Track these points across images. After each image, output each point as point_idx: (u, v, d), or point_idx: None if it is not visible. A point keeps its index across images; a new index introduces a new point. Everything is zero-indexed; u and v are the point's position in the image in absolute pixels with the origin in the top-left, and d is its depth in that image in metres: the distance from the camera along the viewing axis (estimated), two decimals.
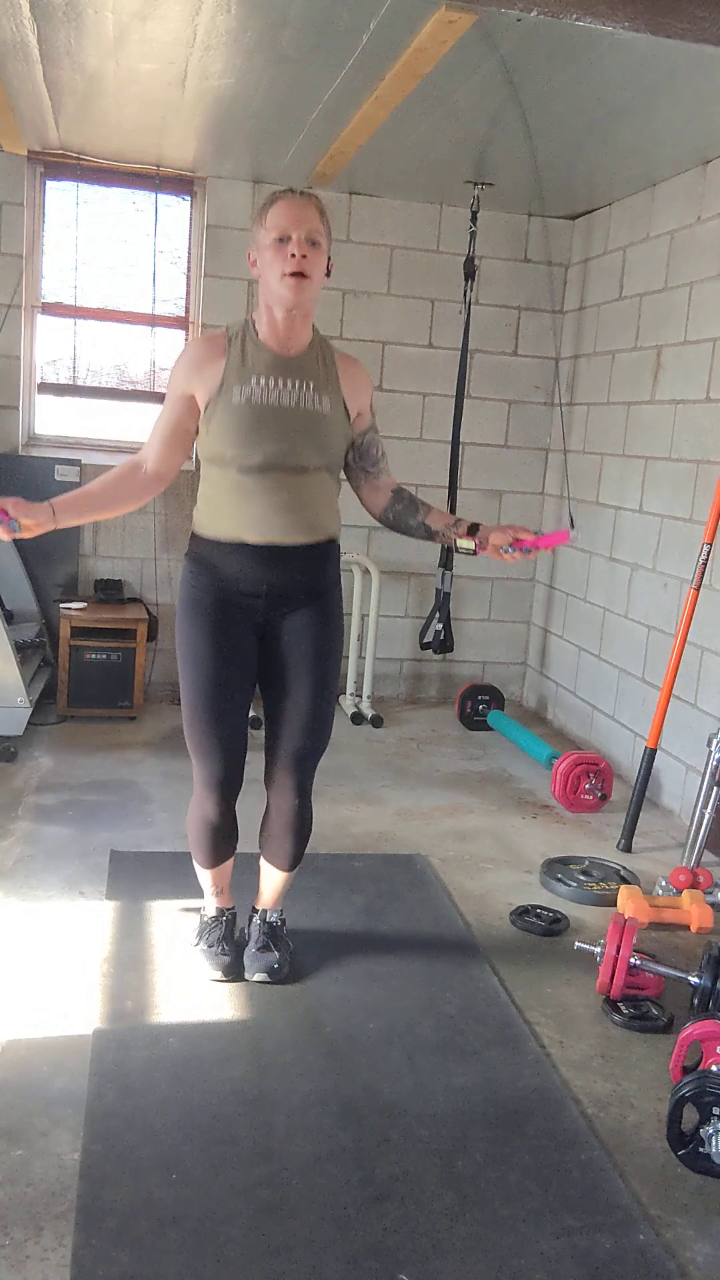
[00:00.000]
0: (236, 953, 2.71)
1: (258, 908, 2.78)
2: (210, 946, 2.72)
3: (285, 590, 2.46)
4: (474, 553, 2.43)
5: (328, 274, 2.37)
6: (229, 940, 2.73)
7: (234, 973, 2.67)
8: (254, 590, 2.44)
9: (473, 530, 2.45)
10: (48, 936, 2.83)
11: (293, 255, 2.27)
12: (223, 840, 2.64)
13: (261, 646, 2.52)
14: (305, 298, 2.32)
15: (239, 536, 2.40)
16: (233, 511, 2.40)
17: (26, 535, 2.31)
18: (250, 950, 2.72)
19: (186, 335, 5.23)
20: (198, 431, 2.42)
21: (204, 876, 2.73)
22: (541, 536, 2.39)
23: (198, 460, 2.47)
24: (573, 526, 2.46)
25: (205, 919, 2.78)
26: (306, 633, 2.50)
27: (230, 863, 2.72)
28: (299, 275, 2.28)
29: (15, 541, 4.82)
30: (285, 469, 2.37)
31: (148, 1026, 2.45)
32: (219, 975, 2.66)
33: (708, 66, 3.09)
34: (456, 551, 2.47)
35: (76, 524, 2.51)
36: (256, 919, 2.76)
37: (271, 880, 2.73)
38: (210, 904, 2.78)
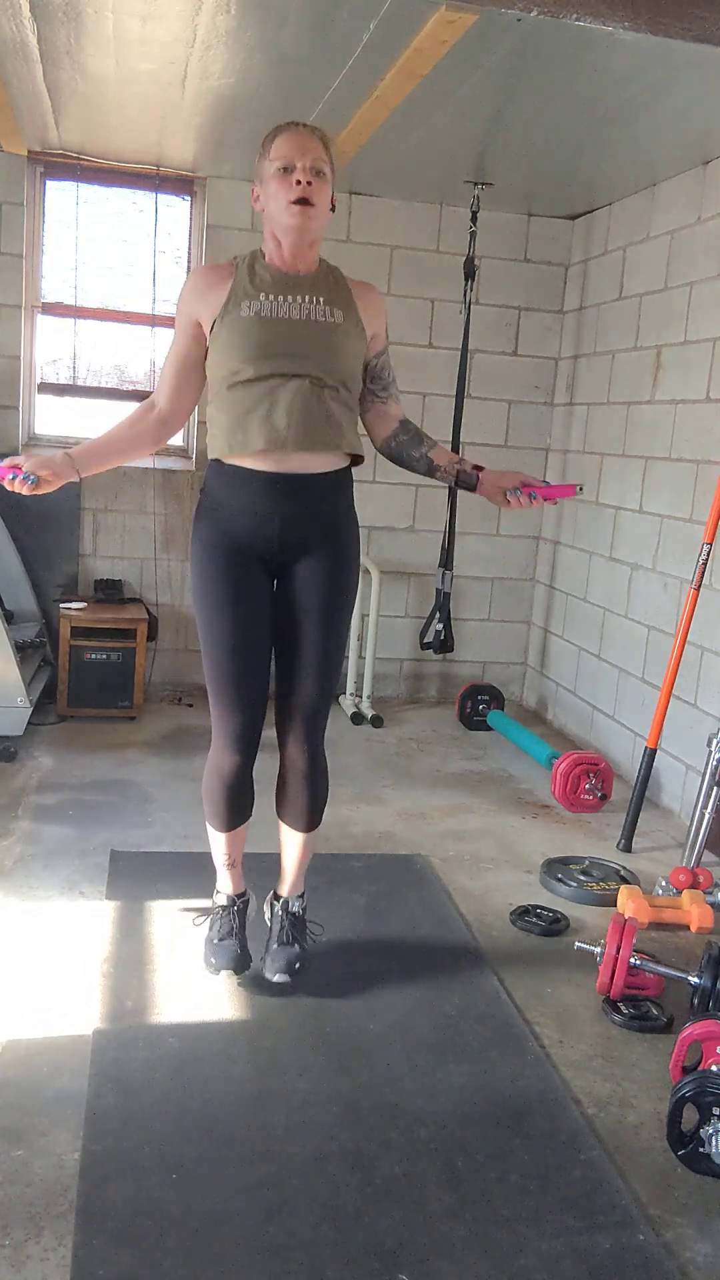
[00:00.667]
0: (247, 945, 2.63)
1: (280, 894, 2.71)
2: (220, 940, 2.64)
3: (299, 525, 2.39)
4: (473, 488, 2.43)
5: (332, 209, 2.36)
6: (241, 933, 2.65)
7: (244, 968, 2.60)
8: (267, 529, 2.38)
9: (477, 469, 2.45)
10: (48, 936, 2.83)
11: (298, 182, 2.25)
12: (240, 798, 2.57)
13: (274, 590, 2.48)
14: (312, 225, 2.30)
15: (251, 460, 2.33)
16: (246, 428, 2.32)
17: (46, 489, 2.28)
18: (272, 946, 2.64)
19: None
20: (206, 356, 2.39)
21: (218, 844, 2.65)
22: (550, 486, 2.39)
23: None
24: (580, 487, 2.46)
25: (216, 907, 2.70)
26: (320, 576, 2.45)
27: (244, 830, 2.64)
28: (304, 202, 2.26)
29: (15, 541, 4.88)
30: (296, 378, 2.31)
31: (148, 1026, 2.45)
32: (226, 970, 2.59)
33: (708, 66, 3.09)
34: (457, 486, 2.46)
35: (97, 471, 2.45)
36: (278, 907, 2.69)
37: (292, 850, 2.65)
38: (224, 884, 2.69)
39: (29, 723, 4.22)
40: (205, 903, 2.81)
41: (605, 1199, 2.01)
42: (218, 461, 2.41)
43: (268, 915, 2.74)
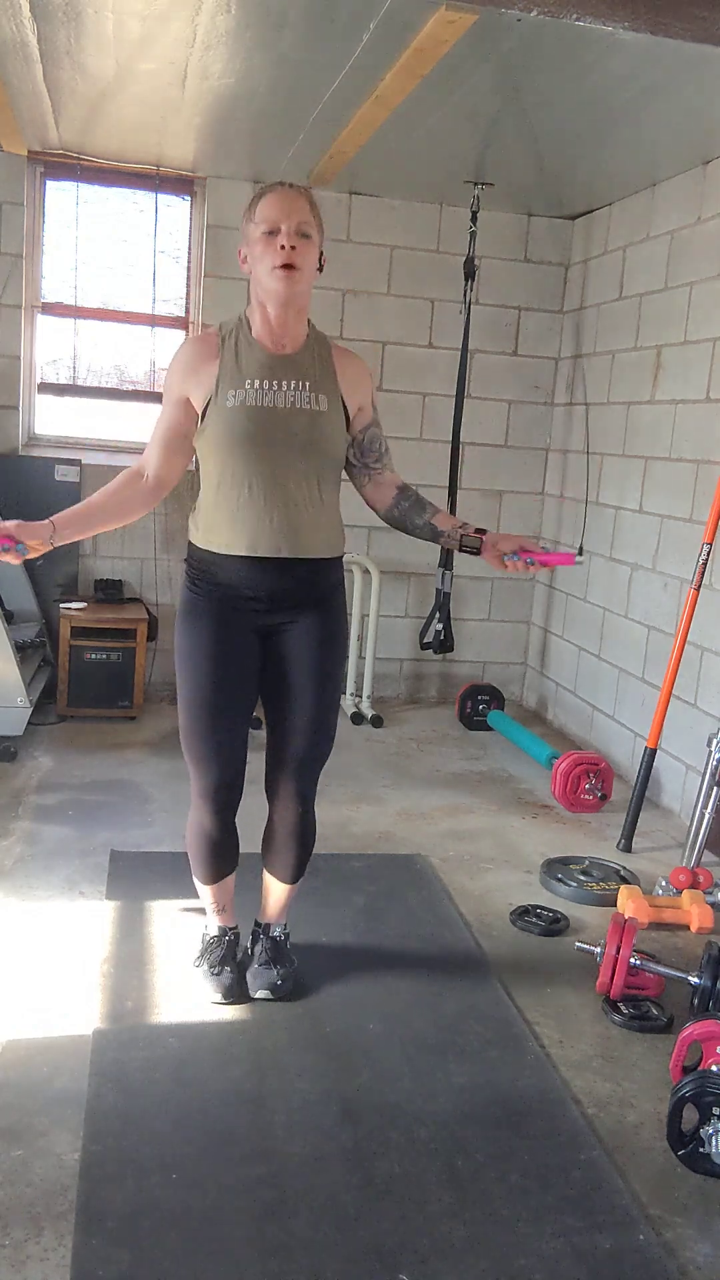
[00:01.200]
0: (239, 974, 2.63)
1: (261, 921, 2.70)
2: (211, 968, 2.62)
3: (286, 597, 2.40)
4: (478, 552, 2.40)
5: (320, 269, 2.32)
6: (231, 961, 2.64)
7: (235, 995, 2.58)
8: (254, 594, 2.38)
9: (479, 532, 2.41)
10: (48, 936, 2.83)
11: (282, 247, 2.21)
12: (222, 854, 2.57)
13: (263, 651, 2.46)
14: (296, 290, 2.25)
15: (235, 551, 2.34)
16: (229, 523, 2.33)
17: (33, 555, 2.30)
18: (253, 966, 2.63)
19: (187, 335, 5.22)
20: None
21: (204, 893, 2.66)
22: (548, 554, 2.38)
23: (197, 463, 2.45)
24: (580, 553, 2.44)
25: (207, 938, 2.70)
26: (310, 638, 2.43)
27: (232, 880, 2.64)
28: (289, 267, 2.22)
29: None
30: (282, 473, 2.31)
31: (148, 1026, 2.45)
32: (219, 998, 2.57)
33: (708, 66, 3.09)
34: (461, 550, 2.43)
35: (79, 539, 2.45)
36: (260, 931, 2.69)
37: (275, 892, 2.65)
38: (213, 922, 2.70)
39: (29, 723, 4.22)
40: (204, 902, 2.81)
41: (605, 1199, 2.01)
42: (202, 546, 2.41)
43: (249, 943, 2.72)
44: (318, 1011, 2.57)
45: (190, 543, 2.44)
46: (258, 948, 2.67)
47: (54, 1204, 1.89)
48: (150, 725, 4.78)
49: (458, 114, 3.78)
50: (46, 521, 2.32)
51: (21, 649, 4.45)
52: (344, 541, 2.49)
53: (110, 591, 5.09)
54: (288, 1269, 1.79)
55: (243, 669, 2.44)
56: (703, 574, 3.65)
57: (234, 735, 2.47)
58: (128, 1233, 1.83)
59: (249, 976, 2.62)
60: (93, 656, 4.76)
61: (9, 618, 4.71)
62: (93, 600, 5.04)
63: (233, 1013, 2.54)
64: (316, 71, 3.46)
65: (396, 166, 4.57)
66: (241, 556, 2.34)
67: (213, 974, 2.61)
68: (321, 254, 2.31)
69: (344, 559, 2.52)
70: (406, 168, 4.59)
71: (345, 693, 5.30)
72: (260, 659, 2.46)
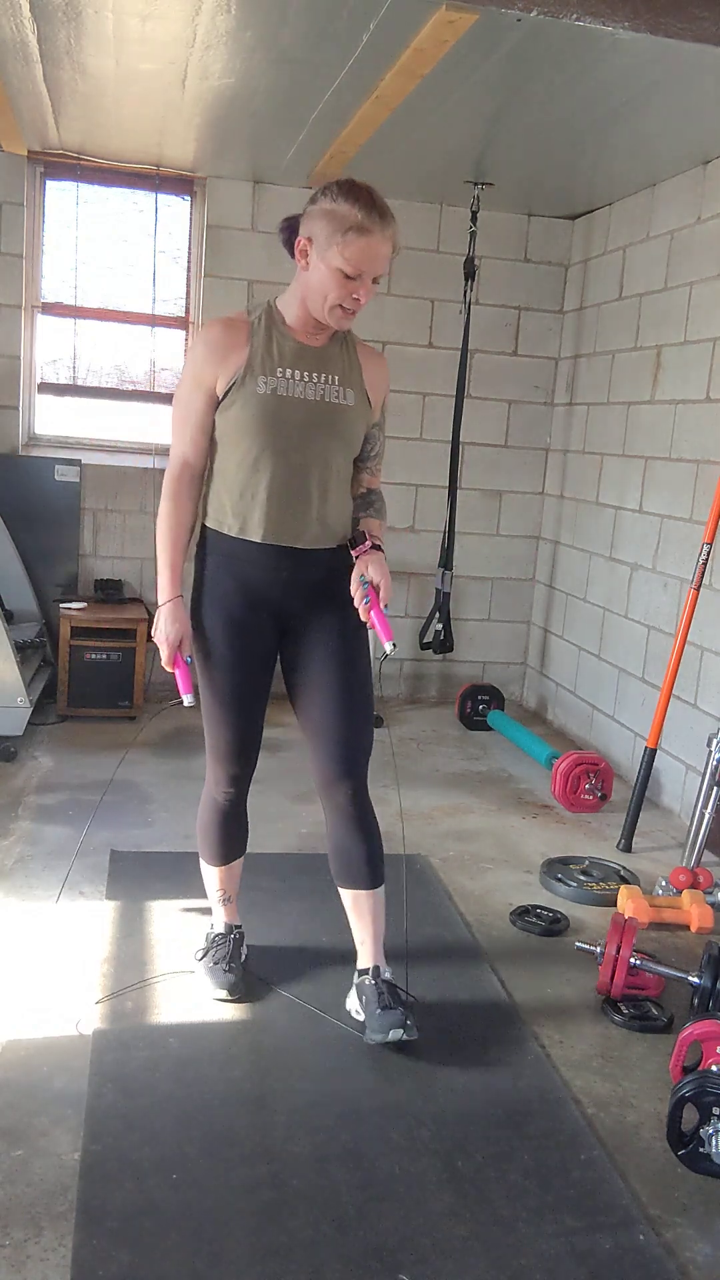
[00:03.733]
0: (242, 972, 2.61)
1: (364, 966, 2.50)
2: (216, 964, 2.61)
3: (303, 585, 2.39)
4: (350, 552, 2.38)
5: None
6: (236, 959, 2.63)
7: (239, 991, 2.57)
8: (270, 580, 2.37)
9: (374, 549, 2.36)
10: (48, 936, 2.83)
11: (356, 299, 2.20)
12: (235, 832, 2.60)
13: (284, 645, 2.46)
14: (348, 327, 2.30)
15: (253, 538, 2.33)
16: (249, 509, 2.32)
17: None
18: (374, 1011, 2.40)
19: (187, 335, 5.23)
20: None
21: (211, 879, 2.66)
22: (377, 615, 2.29)
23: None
24: (388, 651, 2.30)
25: (212, 935, 2.69)
26: (330, 627, 2.41)
27: (240, 864, 2.66)
28: (349, 313, 2.24)
29: (15, 541, 4.88)
30: (305, 463, 2.30)
31: (148, 1026, 2.45)
32: (223, 994, 2.56)
33: (708, 66, 3.09)
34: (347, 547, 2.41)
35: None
36: (368, 979, 2.47)
37: (364, 914, 2.49)
38: (218, 917, 2.69)
39: (29, 723, 4.22)
40: (205, 902, 2.80)
41: (605, 1199, 2.01)
42: (216, 529, 2.39)
43: (355, 1005, 2.52)
44: (318, 1012, 2.57)
45: (204, 526, 2.41)
46: (372, 994, 2.44)
47: (54, 1204, 1.89)
48: (150, 725, 4.77)
49: (458, 114, 3.78)
50: (175, 599, 2.40)
51: (21, 649, 4.45)
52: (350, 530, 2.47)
53: (110, 591, 5.09)
54: (288, 1269, 1.79)
55: (263, 656, 2.45)
56: (703, 574, 3.65)
57: (252, 716, 2.47)
58: (128, 1233, 1.83)
59: (373, 1022, 2.39)
60: (93, 656, 4.76)
61: (9, 618, 4.71)
62: (93, 600, 5.04)
63: (233, 1013, 2.54)
64: (316, 71, 3.46)
65: (396, 166, 4.56)
66: (259, 543, 2.34)
67: (219, 970, 2.60)
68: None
69: None
70: (406, 168, 4.59)
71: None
72: (277, 648, 2.47)
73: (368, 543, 2.37)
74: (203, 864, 2.67)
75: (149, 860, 3.33)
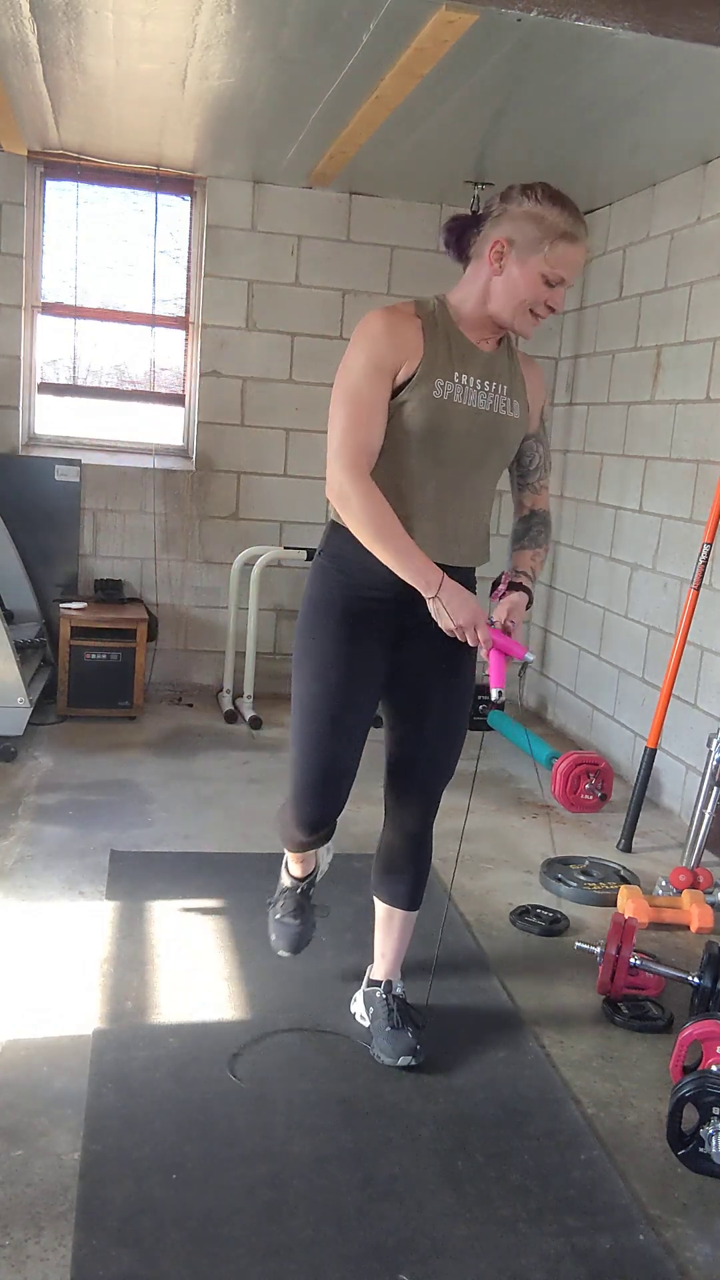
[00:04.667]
0: (306, 927, 2.57)
1: (378, 978, 2.49)
2: (281, 918, 2.56)
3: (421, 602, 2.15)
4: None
5: None
6: (302, 913, 2.57)
7: (299, 948, 2.55)
8: (397, 598, 2.15)
9: (512, 586, 2.26)
10: (48, 936, 2.83)
11: (551, 309, 2.11)
12: (315, 847, 2.48)
13: (392, 661, 2.26)
14: (530, 334, 2.18)
15: None
16: (395, 509, 2.11)
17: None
18: (384, 1029, 2.39)
19: (186, 335, 5.23)
20: None
21: (292, 860, 2.58)
22: (495, 659, 2.16)
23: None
24: (500, 693, 2.21)
25: (282, 886, 2.61)
26: (443, 649, 2.22)
27: (333, 842, 2.59)
28: (539, 319, 2.14)
29: (15, 541, 4.89)
30: (463, 476, 2.16)
31: (148, 1026, 2.45)
32: (284, 951, 2.54)
33: (708, 66, 3.09)
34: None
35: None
36: (379, 991, 2.46)
37: (393, 931, 2.47)
38: (293, 867, 2.58)
39: (29, 723, 4.22)
40: (204, 902, 2.81)
41: (605, 1199, 2.01)
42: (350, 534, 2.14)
43: (360, 1010, 2.52)
44: (318, 1012, 2.57)
45: (335, 526, 2.19)
46: (382, 1010, 2.43)
47: (54, 1204, 1.89)
48: (150, 725, 4.78)
49: (458, 114, 3.78)
50: (444, 576, 2.09)
51: (21, 649, 4.45)
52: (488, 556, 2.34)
53: (110, 591, 5.09)
54: (288, 1269, 1.79)
55: (369, 681, 2.25)
56: (703, 574, 3.65)
57: (351, 752, 2.27)
58: (128, 1233, 1.83)
59: (383, 1044, 2.38)
60: (93, 656, 4.76)
61: (9, 618, 4.71)
62: (93, 600, 5.04)
63: (233, 1013, 2.54)
64: (316, 71, 3.46)
65: (396, 166, 4.57)
66: None
67: (283, 924, 2.55)
68: None
69: None
70: (406, 168, 4.59)
71: None
72: (388, 669, 2.27)
73: (504, 585, 2.25)
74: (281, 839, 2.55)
75: (149, 860, 3.33)
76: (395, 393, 2.09)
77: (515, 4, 2.68)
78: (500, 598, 2.25)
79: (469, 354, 2.15)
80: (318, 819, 2.33)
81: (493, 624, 2.16)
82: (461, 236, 2.18)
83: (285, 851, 2.56)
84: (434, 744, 2.33)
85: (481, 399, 2.15)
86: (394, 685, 2.30)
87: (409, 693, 2.31)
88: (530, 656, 2.23)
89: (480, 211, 2.15)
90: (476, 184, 4.70)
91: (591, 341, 5.06)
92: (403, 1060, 2.35)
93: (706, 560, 3.65)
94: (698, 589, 3.66)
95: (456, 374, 2.12)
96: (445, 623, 2.09)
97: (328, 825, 2.37)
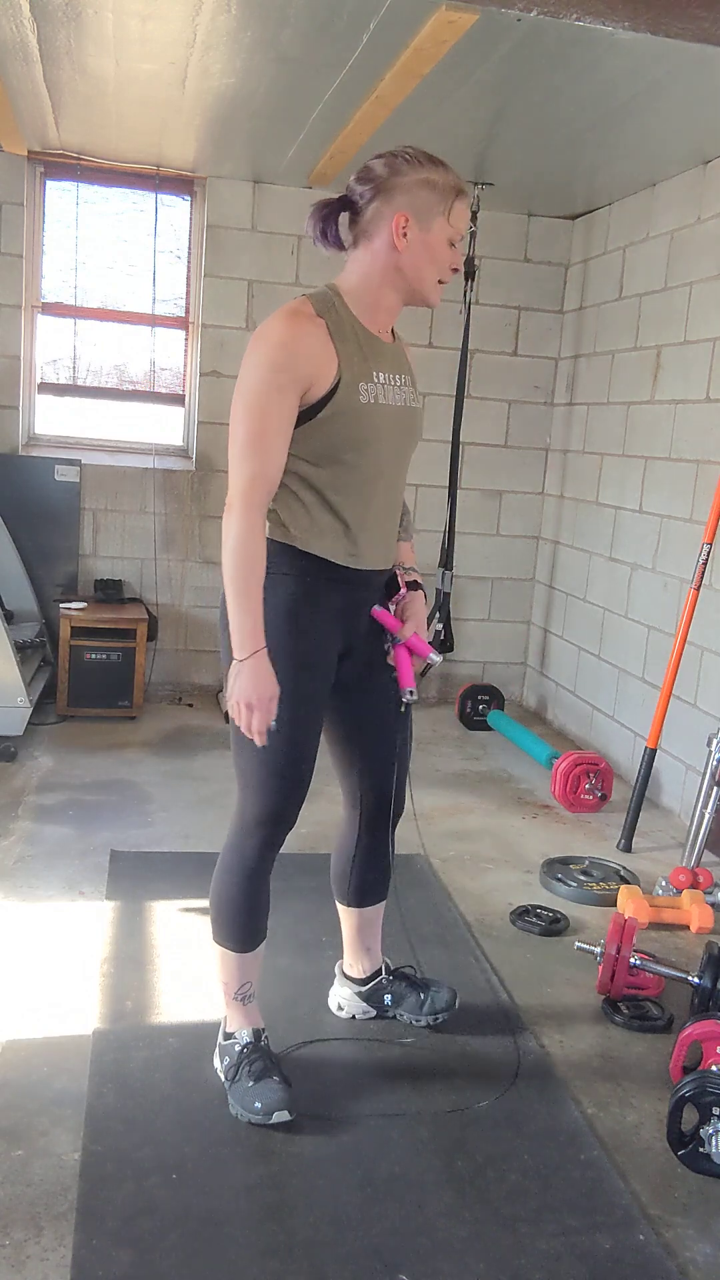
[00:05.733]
0: (285, 1078, 2.18)
1: (366, 970, 2.52)
2: (258, 1081, 2.15)
3: (371, 602, 2.19)
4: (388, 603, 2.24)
5: None
6: (276, 1067, 2.19)
7: (298, 1105, 2.14)
8: (352, 600, 2.14)
9: (410, 586, 2.23)
10: (48, 936, 2.83)
11: (453, 270, 2.06)
12: (264, 906, 2.22)
13: (340, 665, 2.19)
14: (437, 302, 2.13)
15: (341, 560, 2.07)
16: (343, 529, 2.06)
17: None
18: (410, 997, 2.48)
19: (186, 335, 5.23)
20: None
21: (233, 970, 2.23)
22: (401, 658, 2.20)
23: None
24: (412, 693, 2.21)
25: (239, 1048, 2.20)
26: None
27: (262, 950, 2.27)
28: (445, 285, 2.09)
29: (15, 541, 4.89)
30: (392, 475, 2.12)
31: (148, 1026, 2.45)
32: (285, 1114, 2.10)
33: (708, 66, 3.09)
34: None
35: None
36: (385, 978, 2.51)
37: (375, 924, 2.50)
38: (241, 1021, 2.24)
39: (29, 723, 4.22)
40: (204, 902, 2.79)
41: (605, 1199, 2.01)
42: (304, 549, 2.07)
43: (339, 1002, 2.55)
44: (318, 1012, 2.57)
45: (282, 545, 2.05)
46: (399, 985, 2.50)
47: (54, 1204, 1.89)
48: (150, 725, 4.78)
49: (458, 114, 3.78)
50: (263, 650, 1.97)
51: (21, 649, 4.45)
52: None
53: (110, 591, 5.09)
54: (288, 1269, 1.79)
55: (329, 683, 2.18)
56: (703, 574, 3.65)
57: (312, 757, 2.17)
58: (128, 1233, 1.83)
59: (412, 1005, 2.48)
60: (93, 656, 4.76)
61: (9, 618, 4.72)
62: (93, 600, 5.04)
63: None
64: (316, 71, 3.46)
65: None
66: (354, 569, 2.10)
67: (269, 1086, 2.14)
68: None
69: None
70: None
71: None
72: (337, 677, 2.20)
73: (402, 585, 2.21)
74: (220, 953, 2.24)
75: (149, 860, 3.33)
76: (314, 406, 1.96)
77: (515, 4, 2.68)
78: (399, 599, 2.23)
79: (377, 350, 2.06)
80: (288, 826, 2.19)
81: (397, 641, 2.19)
82: (333, 223, 2.05)
83: (231, 992, 2.25)
84: (403, 749, 2.34)
85: (396, 395, 2.08)
86: (349, 692, 2.26)
87: (366, 699, 2.29)
88: (436, 658, 2.24)
89: (350, 195, 2.04)
90: (476, 184, 4.70)
91: (591, 341, 5.06)
92: (442, 1015, 2.50)
93: (706, 560, 3.65)
94: (698, 589, 3.66)
95: (374, 373, 2.03)
96: (231, 692, 1.99)
97: (285, 829, 2.19)
